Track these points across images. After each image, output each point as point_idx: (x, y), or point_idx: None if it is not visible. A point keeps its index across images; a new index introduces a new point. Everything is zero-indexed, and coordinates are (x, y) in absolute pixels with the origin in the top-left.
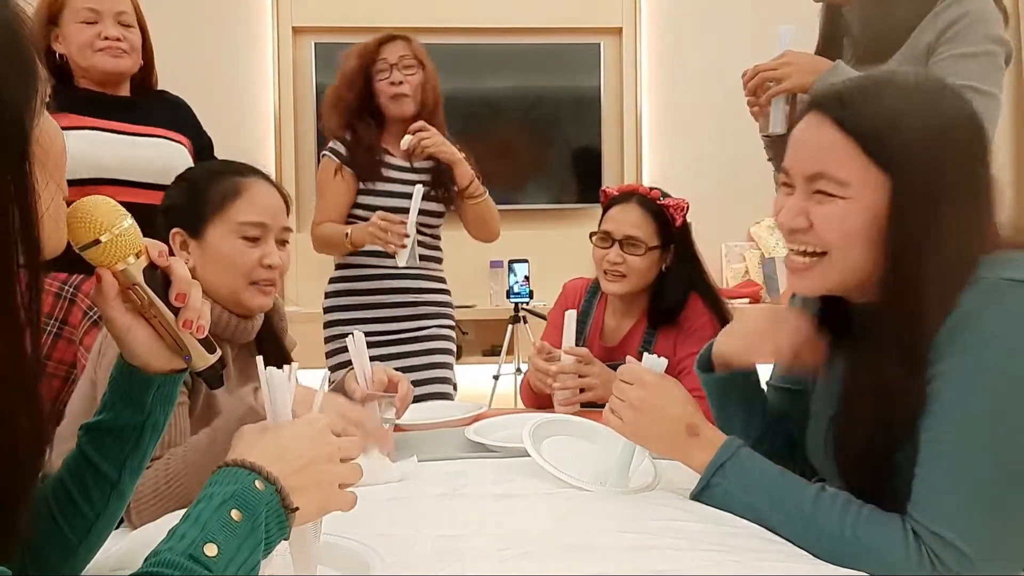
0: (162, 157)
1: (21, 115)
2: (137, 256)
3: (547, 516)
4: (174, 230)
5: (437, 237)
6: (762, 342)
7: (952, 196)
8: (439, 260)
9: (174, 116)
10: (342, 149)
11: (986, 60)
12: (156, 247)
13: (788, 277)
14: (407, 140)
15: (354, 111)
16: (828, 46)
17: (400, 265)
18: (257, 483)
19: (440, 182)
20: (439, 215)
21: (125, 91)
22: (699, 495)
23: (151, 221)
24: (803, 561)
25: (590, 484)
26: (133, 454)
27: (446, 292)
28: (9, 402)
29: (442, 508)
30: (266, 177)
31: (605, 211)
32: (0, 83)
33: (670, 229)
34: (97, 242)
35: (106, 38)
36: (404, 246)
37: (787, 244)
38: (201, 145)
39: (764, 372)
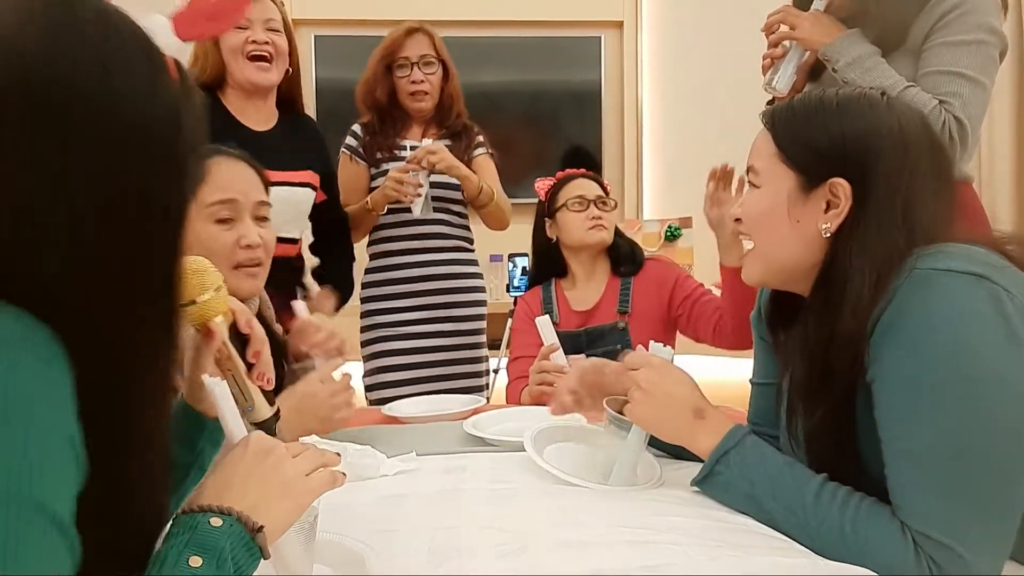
0: (294, 205)
1: (176, 230)
2: (224, 315)
3: (545, 511)
4: None
5: (464, 216)
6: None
7: (866, 198)
8: (470, 241)
9: (308, 152)
10: (357, 139)
11: (976, 48)
12: (244, 315)
13: None
14: (415, 155)
15: (377, 102)
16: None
17: (415, 215)
18: (212, 520)
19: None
20: (461, 202)
21: (272, 112)
22: (701, 482)
23: (284, 272)
24: (800, 556)
25: (594, 483)
26: (175, 492)
27: (478, 276)
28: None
29: (440, 503)
30: (230, 153)
31: (557, 191)
32: (158, 187)
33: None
34: (193, 303)
35: (254, 42)
36: (419, 195)
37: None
38: (327, 174)
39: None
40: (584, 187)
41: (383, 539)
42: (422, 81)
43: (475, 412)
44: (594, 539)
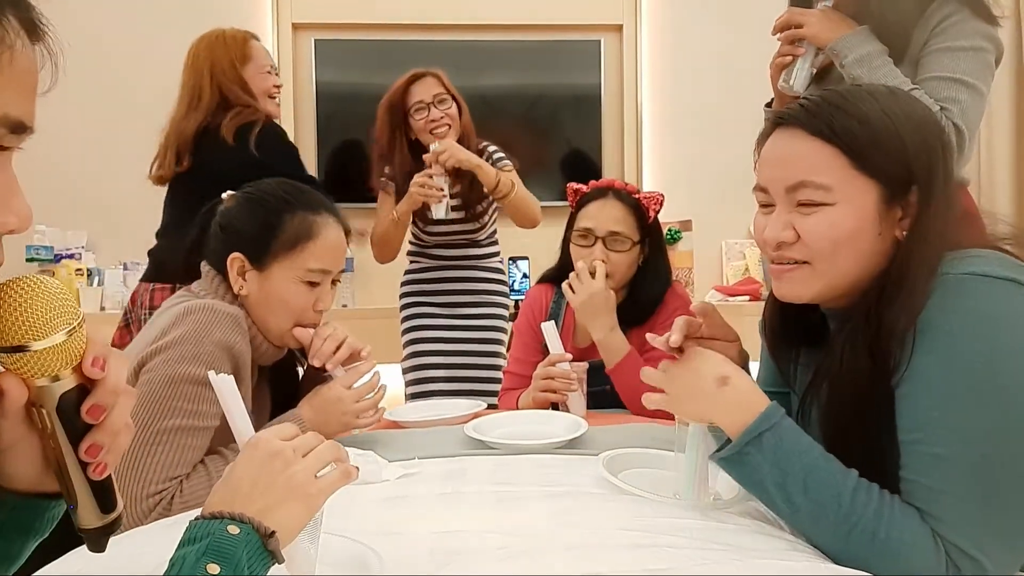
0: None
1: None
2: (69, 370)
3: (546, 514)
4: (234, 254)
5: (493, 233)
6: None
7: (931, 197)
8: (496, 255)
9: None
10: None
11: (974, 55)
12: (94, 354)
13: (773, 284)
14: (430, 155)
15: (397, 155)
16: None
17: (437, 217)
18: (230, 528)
19: (472, 187)
20: (485, 214)
21: None
22: (726, 460)
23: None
24: (801, 559)
25: (667, 496)
26: None
27: (502, 283)
28: None
29: (442, 506)
30: (334, 212)
31: (579, 208)
32: None
33: (646, 223)
34: (22, 349)
35: (277, 87)
36: (441, 200)
37: (772, 257)
38: None
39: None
40: (598, 217)
41: (385, 541)
42: (441, 117)
43: (476, 416)
44: (595, 542)
